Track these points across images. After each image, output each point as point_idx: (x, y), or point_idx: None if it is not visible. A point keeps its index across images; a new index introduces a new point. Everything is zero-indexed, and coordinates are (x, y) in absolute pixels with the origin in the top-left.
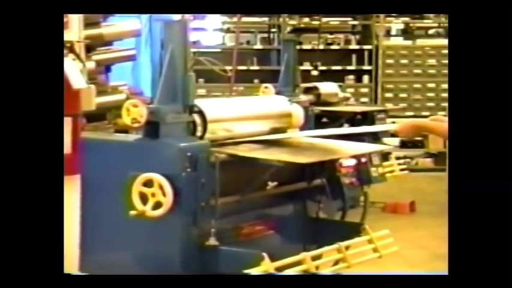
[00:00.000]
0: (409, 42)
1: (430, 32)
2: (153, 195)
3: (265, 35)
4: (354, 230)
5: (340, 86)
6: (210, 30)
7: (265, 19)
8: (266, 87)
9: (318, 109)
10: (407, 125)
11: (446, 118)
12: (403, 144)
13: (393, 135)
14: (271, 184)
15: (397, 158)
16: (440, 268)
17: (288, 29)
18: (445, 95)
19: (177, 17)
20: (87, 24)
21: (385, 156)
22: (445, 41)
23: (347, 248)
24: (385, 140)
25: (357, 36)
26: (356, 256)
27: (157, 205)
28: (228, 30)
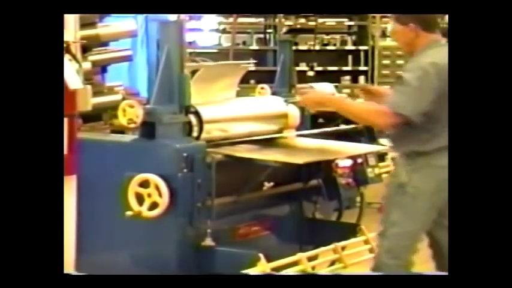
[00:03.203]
0: None
1: None
2: (149, 195)
3: (261, 35)
4: (350, 231)
5: (336, 87)
6: (206, 31)
7: (261, 20)
8: (262, 88)
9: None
10: (313, 100)
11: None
12: None
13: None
14: (267, 185)
15: (394, 159)
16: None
17: (284, 29)
18: None
19: (173, 17)
20: (83, 25)
21: (381, 156)
22: None
23: (343, 248)
24: (382, 140)
25: (353, 37)
26: (352, 256)
27: (154, 205)
28: (224, 31)
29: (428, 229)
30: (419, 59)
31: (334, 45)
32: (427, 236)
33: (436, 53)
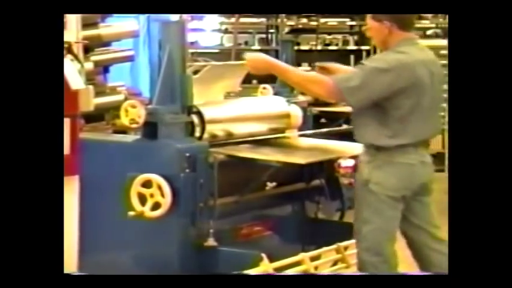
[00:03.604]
0: None
1: (428, 32)
2: (151, 195)
3: (263, 35)
4: (353, 231)
5: None
6: (208, 31)
7: (263, 20)
8: (264, 88)
9: (316, 110)
10: (255, 64)
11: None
12: None
13: None
14: (269, 185)
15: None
16: None
17: (286, 29)
18: (444, 95)
19: (175, 17)
20: (85, 25)
21: None
22: (443, 42)
23: (346, 248)
24: None
25: (355, 37)
26: (355, 256)
27: (156, 206)
28: (226, 31)
29: (402, 227)
30: (387, 53)
31: (336, 45)
32: (403, 235)
33: (405, 51)
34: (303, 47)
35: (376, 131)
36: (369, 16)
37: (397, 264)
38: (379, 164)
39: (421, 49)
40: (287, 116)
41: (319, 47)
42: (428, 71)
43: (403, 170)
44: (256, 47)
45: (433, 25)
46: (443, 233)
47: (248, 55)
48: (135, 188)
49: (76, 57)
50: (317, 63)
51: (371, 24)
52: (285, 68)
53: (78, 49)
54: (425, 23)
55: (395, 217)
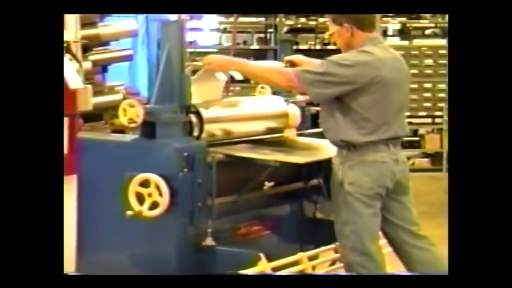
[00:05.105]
0: (405, 43)
1: (427, 32)
2: (149, 195)
3: (262, 35)
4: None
5: None
6: (206, 31)
7: (262, 19)
8: (263, 88)
9: (314, 109)
10: (214, 62)
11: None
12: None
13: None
14: (268, 184)
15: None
16: None
17: (285, 29)
18: (442, 95)
19: (173, 17)
20: (84, 25)
21: None
22: (441, 41)
23: None
24: None
25: None
26: None
27: (154, 205)
28: (224, 31)
29: (381, 227)
30: (351, 52)
31: (335, 44)
32: (383, 235)
33: (368, 50)
34: (302, 47)
35: (345, 127)
36: (329, 21)
37: (384, 261)
38: (352, 164)
39: (384, 48)
40: (285, 115)
41: (318, 47)
42: (393, 69)
43: (375, 168)
44: (255, 46)
45: (432, 24)
46: (423, 230)
47: (206, 56)
48: (133, 187)
49: (74, 56)
50: (285, 58)
51: (333, 29)
52: (243, 61)
53: (76, 48)
54: (424, 23)
55: (374, 215)
